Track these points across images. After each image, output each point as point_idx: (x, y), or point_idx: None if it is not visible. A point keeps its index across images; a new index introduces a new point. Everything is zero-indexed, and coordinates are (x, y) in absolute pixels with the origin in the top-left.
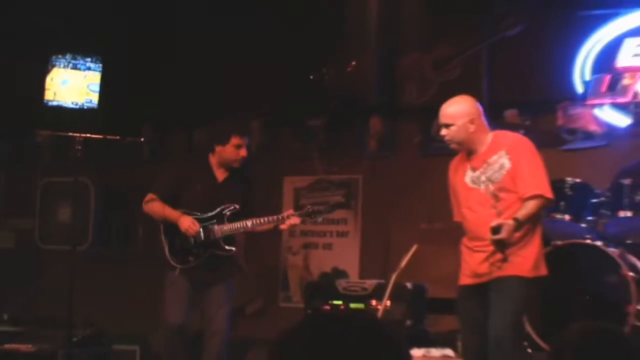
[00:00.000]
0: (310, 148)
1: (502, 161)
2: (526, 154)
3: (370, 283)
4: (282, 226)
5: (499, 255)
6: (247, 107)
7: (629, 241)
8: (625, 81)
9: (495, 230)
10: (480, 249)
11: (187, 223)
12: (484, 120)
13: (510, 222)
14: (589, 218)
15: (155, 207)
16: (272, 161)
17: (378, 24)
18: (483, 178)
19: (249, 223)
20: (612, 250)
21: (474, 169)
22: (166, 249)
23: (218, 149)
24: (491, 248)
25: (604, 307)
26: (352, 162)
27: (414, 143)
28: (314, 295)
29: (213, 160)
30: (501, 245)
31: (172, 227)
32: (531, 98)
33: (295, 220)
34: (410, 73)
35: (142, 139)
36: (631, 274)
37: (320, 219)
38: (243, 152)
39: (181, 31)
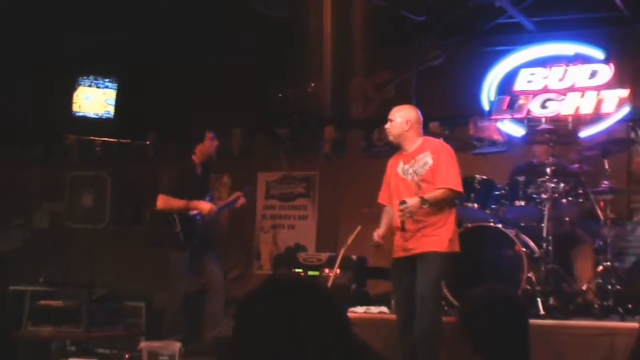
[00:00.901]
0: (278, 150)
1: (426, 159)
2: (445, 156)
3: (324, 255)
4: (236, 205)
5: (419, 234)
6: (230, 120)
7: (522, 224)
8: (521, 101)
9: (403, 202)
10: (409, 227)
11: (208, 206)
12: (419, 127)
13: (417, 198)
14: (493, 206)
15: (173, 202)
16: (249, 161)
17: (332, 54)
18: (410, 171)
19: (222, 203)
20: (510, 231)
21: (404, 163)
22: (181, 235)
23: (198, 147)
24: (415, 227)
25: (503, 275)
26: (311, 161)
27: (359, 147)
28: (280, 264)
29: (196, 159)
30: (407, 214)
31: (185, 217)
32: (449, 113)
33: (242, 200)
34: (357, 93)
35: (148, 142)
36: (524, 249)
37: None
38: (216, 142)
39: (179, 62)
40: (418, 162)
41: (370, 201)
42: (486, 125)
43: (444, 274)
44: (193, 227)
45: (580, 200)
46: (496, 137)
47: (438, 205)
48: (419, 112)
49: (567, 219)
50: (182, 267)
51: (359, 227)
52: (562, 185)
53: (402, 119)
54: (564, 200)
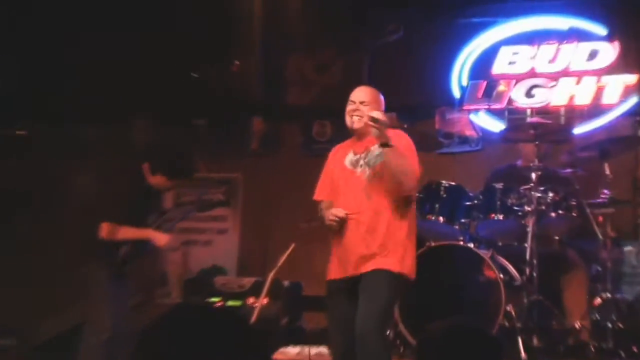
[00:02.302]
0: (193, 146)
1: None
2: (404, 144)
3: (248, 280)
4: None
5: (369, 246)
6: (132, 107)
7: (499, 243)
8: (500, 88)
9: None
10: (350, 237)
11: (165, 239)
12: None
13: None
14: (462, 220)
15: (125, 233)
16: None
17: (263, 26)
18: (361, 162)
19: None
20: (484, 252)
21: (355, 153)
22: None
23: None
24: (362, 235)
25: (474, 307)
26: (234, 160)
27: (295, 143)
28: (192, 291)
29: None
30: (382, 126)
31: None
32: (410, 102)
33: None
34: (294, 75)
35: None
36: (501, 275)
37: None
38: None
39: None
40: (372, 152)
41: (308, 212)
42: (456, 118)
43: (394, 303)
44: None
45: (573, 214)
46: (468, 132)
47: (396, 177)
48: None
49: (556, 237)
50: (107, 292)
51: (293, 245)
52: (550, 194)
53: (377, 104)
54: (553, 214)
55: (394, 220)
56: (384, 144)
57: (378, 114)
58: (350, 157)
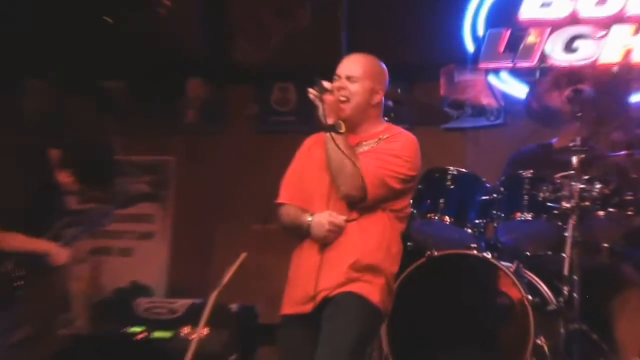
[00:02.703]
0: (105, 118)
1: (374, 144)
2: (402, 144)
3: (182, 303)
4: None
5: (338, 266)
6: (25, 65)
7: (527, 252)
8: (530, 39)
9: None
10: (314, 257)
11: (65, 255)
12: (382, 107)
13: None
14: (476, 221)
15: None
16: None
17: None
18: None
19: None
20: (505, 265)
21: None
22: None
23: None
24: (332, 253)
25: (492, 339)
26: (163, 137)
27: (247, 115)
28: (105, 318)
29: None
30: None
31: None
32: (404, 58)
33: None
34: (245, 21)
35: None
36: (528, 296)
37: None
38: None
39: None
40: (362, 149)
41: (265, 209)
42: (469, 81)
43: (367, 341)
44: None
45: (629, 212)
46: (485, 100)
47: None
48: None
49: (605, 244)
50: None
51: (244, 255)
52: (597, 186)
53: (373, 81)
54: (601, 213)
55: (376, 235)
56: (328, 127)
57: (328, 84)
58: None
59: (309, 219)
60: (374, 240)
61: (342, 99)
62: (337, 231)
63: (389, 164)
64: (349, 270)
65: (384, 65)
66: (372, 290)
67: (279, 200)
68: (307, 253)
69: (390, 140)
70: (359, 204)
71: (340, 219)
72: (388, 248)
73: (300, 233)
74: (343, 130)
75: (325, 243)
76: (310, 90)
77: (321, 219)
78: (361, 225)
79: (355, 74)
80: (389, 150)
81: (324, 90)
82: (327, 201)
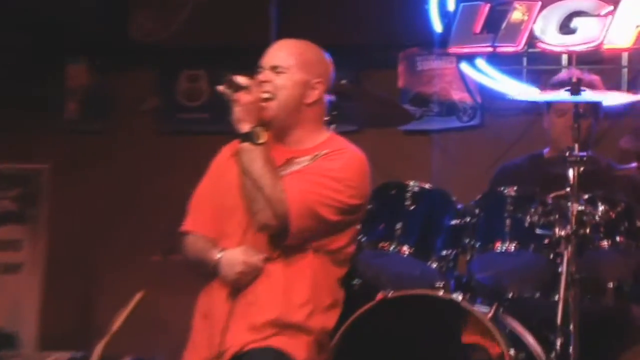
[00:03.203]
0: None
1: (308, 162)
2: (344, 163)
3: (58, 358)
4: None
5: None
6: None
7: (509, 294)
8: (515, 16)
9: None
10: (223, 304)
11: None
12: (326, 100)
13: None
14: (444, 252)
15: None
16: None
17: None
18: None
19: None
20: (481, 309)
21: None
22: None
23: None
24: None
25: None
26: (34, 139)
27: (145, 110)
28: None
29: None
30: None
31: None
32: (351, 40)
33: None
34: None
35: None
36: (511, 351)
37: None
38: None
39: None
40: (293, 168)
41: (168, 232)
42: (436, 70)
43: None
44: None
45: None
46: (457, 95)
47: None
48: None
49: (610, 284)
50: None
51: (140, 294)
52: (600, 207)
53: (309, 73)
54: (605, 243)
55: (304, 285)
56: (243, 136)
57: (243, 79)
58: None
59: (218, 255)
60: (301, 293)
61: (265, 95)
62: (251, 273)
63: (324, 188)
64: (266, 326)
65: (326, 54)
66: (297, 345)
67: (184, 228)
68: (215, 298)
69: (329, 157)
70: (283, 239)
71: (256, 258)
72: (319, 302)
73: (206, 272)
74: (263, 140)
75: (237, 287)
76: (220, 88)
77: (233, 257)
78: (286, 269)
79: (283, 63)
80: (326, 171)
81: (236, 87)
82: (244, 233)
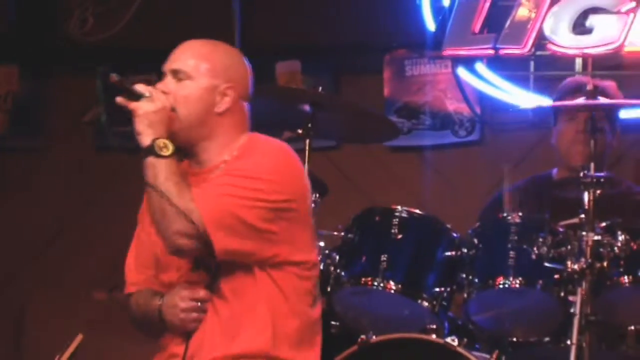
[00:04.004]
0: None
1: None
2: (253, 159)
3: None
4: None
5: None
6: None
7: (512, 338)
8: (521, 13)
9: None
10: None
11: None
12: (247, 111)
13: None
14: (437, 289)
15: None
16: None
17: None
18: None
19: None
20: (480, 357)
21: None
22: None
23: None
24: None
25: None
26: None
27: (87, 122)
28: None
29: None
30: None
31: None
32: (328, 41)
33: None
34: None
35: None
36: None
37: None
38: None
39: None
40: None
41: (111, 270)
42: (428, 75)
43: None
44: None
45: None
46: (452, 105)
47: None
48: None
49: (630, 328)
50: None
51: (79, 337)
52: (620, 237)
53: (216, 77)
54: (625, 280)
55: (257, 308)
56: (145, 150)
57: (141, 87)
58: None
59: (159, 302)
60: (256, 318)
61: (168, 105)
62: (198, 311)
63: (239, 189)
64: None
65: (240, 56)
66: None
67: (127, 290)
68: (168, 349)
69: (240, 156)
70: (209, 260)
71: (199, 292)
72: (279, 325)
73: (155, 328)
74: (167, 152)
75: (188, 332)
76: (118, 99)
77: (171, 297)
78: (233, 295)
79: (185, 67)
80: (237, 171)
81: (133, 96)
82: (178, 267)
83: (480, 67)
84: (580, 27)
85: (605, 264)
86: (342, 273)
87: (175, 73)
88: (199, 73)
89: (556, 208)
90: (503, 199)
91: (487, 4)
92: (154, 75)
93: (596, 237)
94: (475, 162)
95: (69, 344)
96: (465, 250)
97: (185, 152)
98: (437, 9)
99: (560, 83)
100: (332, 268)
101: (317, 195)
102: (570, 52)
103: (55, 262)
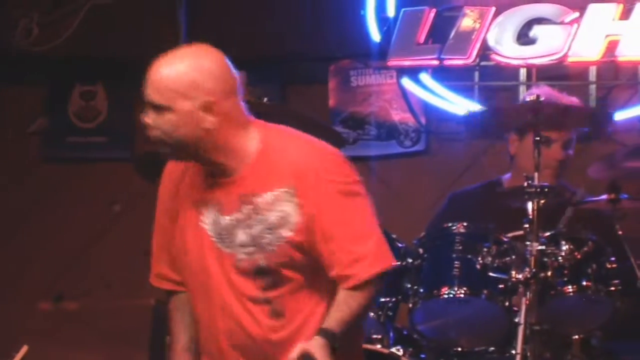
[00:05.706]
0: None
1: (284, 208)
2: (336, 189)
3: None
4: None
5: None
6: None
7: (457, 348)
8: (466, 23)
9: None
10: None
11: None
12: (238, 103)
13: (320, 340)
14: (382, 299)
15: None
16: None
17: None
18: (243, 236)
19: None
20: None
21: (221, 211)
22: None
23: None
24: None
25: None
26: None
27: (32, 132)
28: None
29: None
30: None
31: None
32: (274, 51)
33: None
34: None
35: None
36: None
37: None
38: None
39: None
40: (263, 215)
41: (58, 280)
42: (373, 86)
43: None
44: None
45: (612, 287)
46: (398, 116)
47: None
48: (225, 59)
49: (576, 336)
50: None
51: (24, 349)
52: (564, 247)
53: (192, 99)
54: (569, 289)
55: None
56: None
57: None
58: (213, 217)
59: None
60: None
61: (155, 137)
62: None
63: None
64: None
65: (207, 54)
66: None
67: (152, 281)
68: None
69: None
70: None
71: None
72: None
73: None
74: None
75: None
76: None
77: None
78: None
79: (161, 100)
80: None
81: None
82: (222, 272)
83: (425, 77)
84: (524, 37)
85: (549, 273)
86: None
87: (154, 107)
88: (175, 102)
89: (503, 217)
90: None
91: (432, 15)
92: (99, 85)
93: (540, 247)
94: (421, 172)
95: (14, 356)
96: (410, 260)
97: (205, 166)
98: (382, 20)
99: (504, 93)
100: None
101: None
102: (515, 62)
103: (2, 272)
